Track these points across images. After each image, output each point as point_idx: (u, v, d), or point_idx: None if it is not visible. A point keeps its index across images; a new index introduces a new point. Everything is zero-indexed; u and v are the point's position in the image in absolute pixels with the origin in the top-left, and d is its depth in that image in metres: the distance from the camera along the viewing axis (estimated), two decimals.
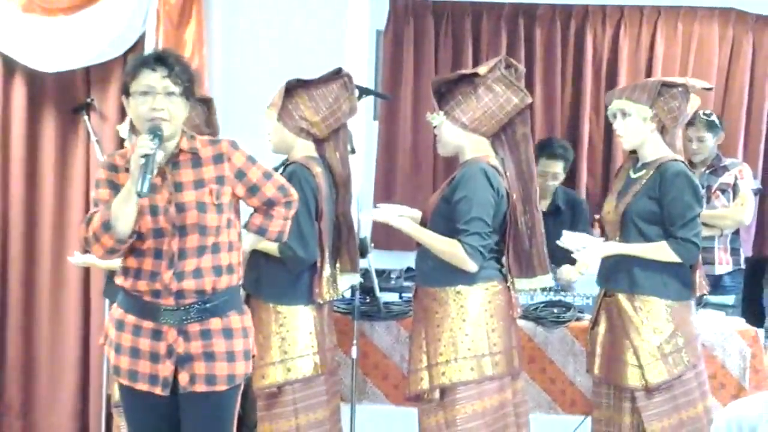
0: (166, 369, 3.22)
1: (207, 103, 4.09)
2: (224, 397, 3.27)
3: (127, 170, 3.17)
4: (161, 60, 3.21)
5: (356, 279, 4.19)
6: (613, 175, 6.28)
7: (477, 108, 3.80)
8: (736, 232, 5.54)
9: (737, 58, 6.32)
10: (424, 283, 3.94)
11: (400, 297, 4.80)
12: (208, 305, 3.21)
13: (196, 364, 3.22)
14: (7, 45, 5.09)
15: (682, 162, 4.00)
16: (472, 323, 3.77)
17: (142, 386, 3.24)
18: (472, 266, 3.75)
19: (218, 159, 3.25)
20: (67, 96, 5.24)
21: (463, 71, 3.96)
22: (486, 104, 3.80)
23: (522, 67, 3.95)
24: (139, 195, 3.06)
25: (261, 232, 3.41)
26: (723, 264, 5.46)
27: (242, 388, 3.34)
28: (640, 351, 3.93)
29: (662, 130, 4.01)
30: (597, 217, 6.37)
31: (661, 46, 6.34)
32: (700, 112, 5.39)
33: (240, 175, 3.26)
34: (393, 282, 4.85)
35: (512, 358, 3.86)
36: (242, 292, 3.59)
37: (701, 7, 6.35)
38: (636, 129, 4.01)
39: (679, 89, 4.00)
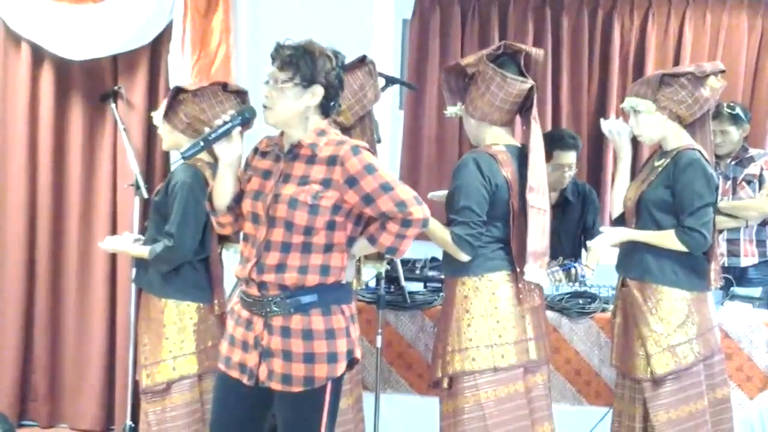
0: (251, 359, 3.23)
1: (241, 95, 4.09)
2: (305, 398, 3.19)
3: (263, 154, 3.32)
4: (276, 49, 3.22)
5: (383, 267, 4.19)
6: (639, 165, 6.29)
7: (478, 97, 3.80)
8: (763, 224, 5.49)
9: (766, 49, 6.27)
10: (443, 273, 3.99)
11: (425, 286, 4.80)
12: (288, 300, 3.17)
13: (275, 360, 3.19)
14: (36, 33, 5.12)
15: (698, 151, 3.97)
16: (475, 314, 3.77)
17: (234, 373, 3.27)
18: (462, 256, 3.74)
19: (332, 161, 3.17)
20: (95, 84, 5.27)
21: (451, 63, 3.96)
22: (483, 93, 3.78)
23: (535, 51, 3.86)
24: (182, 155, 3.28)
25: (371, 240, 3.26)
26: (749, 256, 5.42)
27: (330, 388, 3.21)
28: (647, 341, 3.94)
29: (680, 119, 3.99)
30: None
31: (690, 36, 6.30)
32: (724, 104, 5.36)
33: (351, 182, 3.15)
34: (418, 272, 4.85)
35: (525, 349, 3.82)
36: None
37: None
38: (647, 124, 4.01)
39: (687, 77, 3.96)
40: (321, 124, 3.24)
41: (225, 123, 3.23)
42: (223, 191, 3.32)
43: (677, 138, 4.01)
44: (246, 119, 3.28)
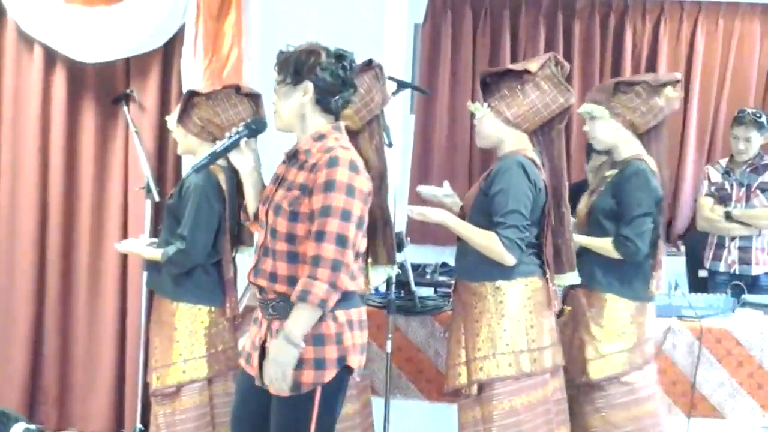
0: (255, 361, 3.27)
1: (255, 98, 4.10)
2: (293, 403, 3.15)
3: (284, 160, 3.32)
4: (276, 57, 3.26)
5: (393, 272, 4.18)
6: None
7: (522, 104, 3.78)
8: None
9: None
10: (464, 278, 3.91)
11: (436, 291, 4.80)
12: (282, 303, 3.17)
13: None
14: (49, 35, 5.11)
15: (645, 162, 4.00)
16: (511, 319, 3.75)
17: (251, 371, 3.31)
18: (510, 259, 3.72)
19: (312, 168, 3.12)
20: (107, 87, 5.26)
21: (513, 66, 3.92)
22: (532, 101, 3.77)
23: (567, 65, 3.90)
24: (193, 169, 3.51)
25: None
26: (760, 264, 5.41)
27: (320, 394, 3.17)
28: (586, 346, 4.00)
29: (634, 127, 4.03)
30: None
31: (702, 41, 6.30)
32: (749, 111, 5.35)
33: (310, 193, 3.10)
34: (428, 276, 4.86)
35: (551, 354, 3.83)
36: None
37: (743, 3, 6.31)
38: (600, 130, 4.06)
39: (642, 86, 4.00)
40: (322, 127, 3.22)
41: (230, 136, 3.33)
42: (248, 200, 3.43)
43: (629, 146, 4.05)
44: (253, 131, 3.35)
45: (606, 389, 4.00)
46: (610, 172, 4.08)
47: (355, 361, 3.20)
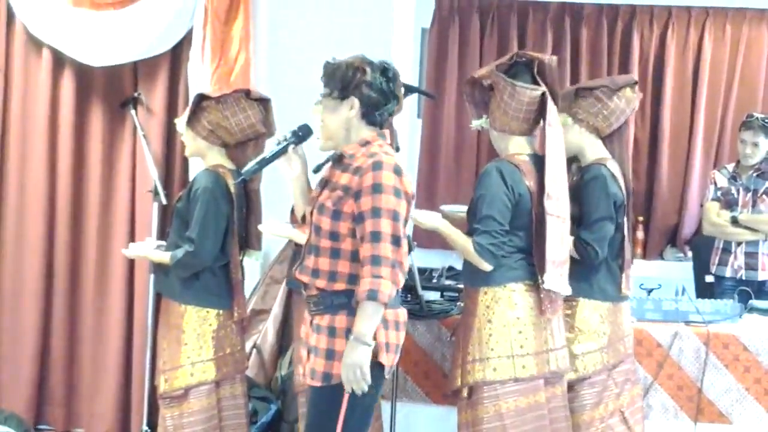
0: (304, 357, 3.37)
1: (264, 103, 4.11)
2: (322, 394, 3.26)
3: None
4: (323, 67, 3.34)
5: None
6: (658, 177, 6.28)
7: (496, 108, 3.81)
8: None
9: None
10: (465, 283, 3.97)
11: (442, 295, 4.79)
12: (322, 298, 3.26)
13: (310, 355, 3.30)
14: (57, 38, 5.13)
15: (606, 166, 4.00)
16: (497, 324, 3.76)
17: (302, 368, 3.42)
18: (485, 266, 3.74)
19: (357, 170, 3.22)
20: (115, 90, 5.29)
21: (468, 77, 3.97)
22: (498, 103, 3.79)
23: (548, 58, 3.84)
24: (242, 175, 3.50)
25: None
26: (767, 270, 5.40)
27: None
28: None
29: (597, 131, 4.05)
30: (640, 219, 6.38)
31: (709, 47, 6.30)
32: (758, 116, 5.35)
33: (357, 196, 3.20)
34: (435, 280, 4.85)
35: (546, 360, 3.80)
36: None
37: (750, 9, 6.30)
38: (565, 137, 4.02)
39: (602, 90, 4.02)
40: (368, 135, 3.31)
41: (279, 143, 3.40)
42: (296, 205, 3.52)
43: (593, 150, 4.08)
44: (300, 137, 3.41)
45: (576, 390, 4.01)
46: (574, 179, 4.10)
47: (387, 359, 3.28)
